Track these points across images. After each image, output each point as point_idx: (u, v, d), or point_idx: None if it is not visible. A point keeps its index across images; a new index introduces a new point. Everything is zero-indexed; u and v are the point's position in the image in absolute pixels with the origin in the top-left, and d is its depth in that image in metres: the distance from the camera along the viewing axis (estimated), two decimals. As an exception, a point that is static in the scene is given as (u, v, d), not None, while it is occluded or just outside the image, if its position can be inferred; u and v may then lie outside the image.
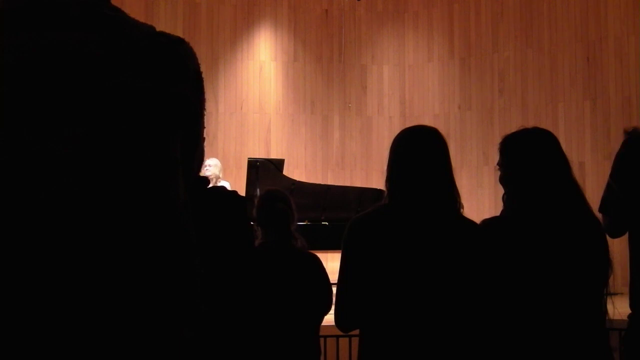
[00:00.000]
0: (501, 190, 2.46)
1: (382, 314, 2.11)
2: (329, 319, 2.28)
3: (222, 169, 8.32)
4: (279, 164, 8.15)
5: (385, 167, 2.25)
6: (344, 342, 4.65)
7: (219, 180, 8.05)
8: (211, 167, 7.96)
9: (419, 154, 2.19)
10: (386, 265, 2.10)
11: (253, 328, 2.47)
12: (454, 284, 2.10)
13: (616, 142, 2.73)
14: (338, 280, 2.20)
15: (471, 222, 2.26)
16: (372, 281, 2.11)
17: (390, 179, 2.21)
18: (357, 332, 2.25)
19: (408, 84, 11.06)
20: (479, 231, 2.23)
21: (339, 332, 2.34)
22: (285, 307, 2.54)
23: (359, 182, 9.88)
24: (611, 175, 2.54)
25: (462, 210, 2.25)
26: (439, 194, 2.17)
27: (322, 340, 4.75)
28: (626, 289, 2.52)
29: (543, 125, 2.44)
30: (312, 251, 2.86)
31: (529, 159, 2.30)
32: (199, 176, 1.44)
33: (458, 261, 2.12)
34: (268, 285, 2.52)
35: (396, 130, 2.35)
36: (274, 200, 2.78)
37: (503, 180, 2.35)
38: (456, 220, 2.19)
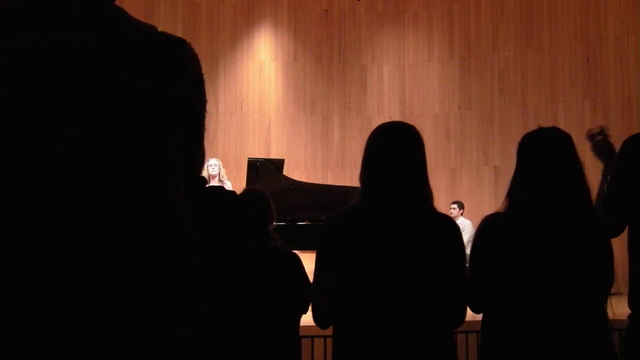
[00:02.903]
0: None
1: (355, 311, 2.12)
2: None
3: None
4: (279, 164, 8.15)
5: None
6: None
7: (223, 179, 8.12)
8: (216, 167, 8.07)
9: (393, 150, 2.18)
10: (359, 263, 2.11)
11: (234, 327, 2.47)
12: (429, 279, 2.10)
13: (616, 142, 2.74)
14: (314, 278, 2.23)
15: (444, 216, 2.24)
16: (345, 279, 2.12)
17: (364, 175, 2.22)
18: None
19: (408, 84, 11.06)
20: (453, 225, 2.22)
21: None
22: (265, 306, 2.54)
23: (358, 182, 9.86)
24: (612, 174, 2.55)
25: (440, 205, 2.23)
26: (411, 191, 2.15)
27: (322, 340, 4.78)
28: (626, 289, 2.52)
29: (543, 126, 2.43)
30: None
31: (542, 158, 2.30)
32: (199, 176, 1.44)
33: (432, 256, 2.11)
34: (248, 284, 2.52)
35: (396, 130, 2.35)
36: (252, 201, 2.78)
37: (515, 178, 2.34)
38: (429, 216, 2.18)
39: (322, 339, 4.75)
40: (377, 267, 2.10)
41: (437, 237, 2.14)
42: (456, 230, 2.20)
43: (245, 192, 3.04)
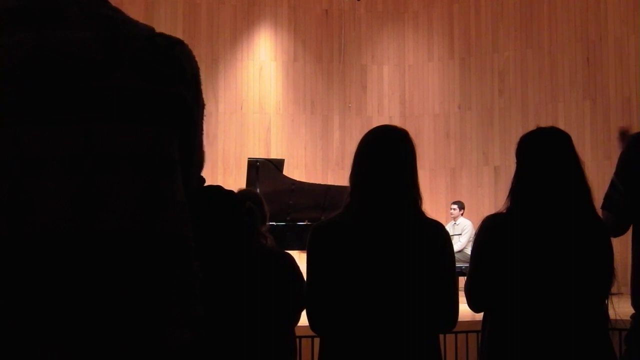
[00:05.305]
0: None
1: (345, 315, 2.12)
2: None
3: None
4: (279, 164, 8.14)
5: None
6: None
7: None
8: None
9: (384, 153, 2.18)
10: (349, 270, 2.11)
11: (228, 328, 2.46)
12: (418, 284, 2.10)
13: (616, 142, 2.74)
14: (307, 284, 2.25)
15: (434, 222, 2.24)
16: (336, 286, 2.12)
17: (354, 176, 2.23)
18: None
19: (408, 84, 11.06)
20: (443, 230, 2.22)
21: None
22: (255, 307, 2.53)
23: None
24: (616, 174, 2.54)
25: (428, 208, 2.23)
26: (399, 194, 2.15)
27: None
28: (626, 289, 2.52)
29: (543, 126, 2.43)
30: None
31: (542, 158, 2.30)
32: (198, 177, 1.43)
33: (423, 262, 2.11)
34: (244, 285, 2.52)
35: (396, 130, 2.34)
36: (243, 199, 2.77)
37: (516, 178, 2.34)
38: (418, 221, 2.17)
39: (322, 339, 4.74)
40: (366, 272, 2.10)
41: (426, 242, 2.14)
42: (446, 236, 2.21)
43: (238, 191, 3.03)
